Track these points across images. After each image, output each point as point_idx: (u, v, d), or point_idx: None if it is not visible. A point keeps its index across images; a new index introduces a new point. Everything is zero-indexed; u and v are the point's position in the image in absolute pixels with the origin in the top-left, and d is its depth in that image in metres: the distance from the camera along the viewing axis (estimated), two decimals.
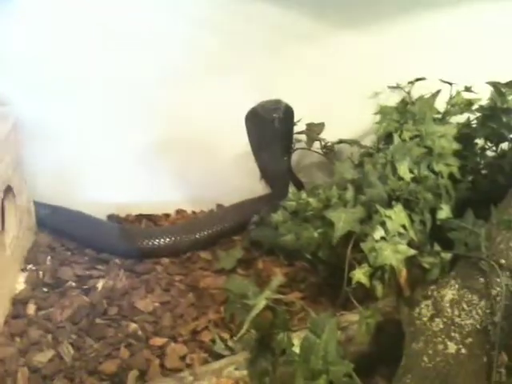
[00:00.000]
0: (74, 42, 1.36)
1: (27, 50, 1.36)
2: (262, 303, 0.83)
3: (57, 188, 1.47)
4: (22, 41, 1.36)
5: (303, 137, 1.42)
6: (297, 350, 0.82)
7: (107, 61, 1.39)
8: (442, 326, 0.91)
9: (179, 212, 1.53)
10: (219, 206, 1.53)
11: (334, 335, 0.78)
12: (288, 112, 1.33)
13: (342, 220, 1.05)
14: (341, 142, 1.41)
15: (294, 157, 1.45)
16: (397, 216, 1.03)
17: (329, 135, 1.44)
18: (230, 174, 1.50)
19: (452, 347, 0.88)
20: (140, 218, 1.50)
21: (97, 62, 1.38)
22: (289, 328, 0.83)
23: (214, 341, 1.08)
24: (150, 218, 1.50)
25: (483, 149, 1.29)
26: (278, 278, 0.90)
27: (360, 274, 0.98)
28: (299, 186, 1.36)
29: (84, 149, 1.46)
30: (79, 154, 1.46)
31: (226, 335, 1.11)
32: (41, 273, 1.29)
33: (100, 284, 1.26)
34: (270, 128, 1.31)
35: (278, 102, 1.31)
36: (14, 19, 1.34)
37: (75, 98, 1.41)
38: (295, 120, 1.38)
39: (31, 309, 1.19)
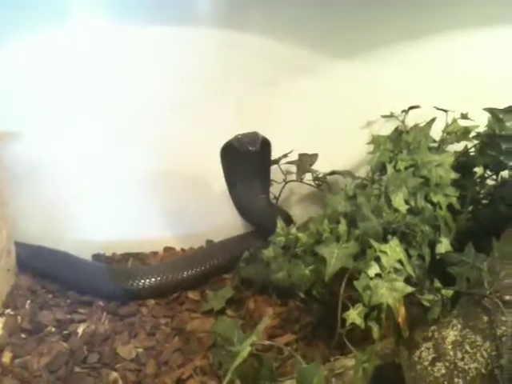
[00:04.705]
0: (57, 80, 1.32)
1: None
2: (246, 350, 0.76)
3: (40, 227, 1.41)
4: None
5: (294, 168, 1.37)
6: None
7: (95, 98, 1.34)
8: (444, 371, 0.84)
9: (168, 250, 1.46)
10: (209, 242, 1.47)
11: None
12: (265, 145, 1.25)
13: (335, 256, 0.98)
14: (333, 173, 1.36)
15: (286, 189, 1.40)
16: (392, 251, 0.97)
17: (322, 166, 1.38)
18: (220, 210, 1.44)
19: None
20: (126, 256, 1.44)
21: (84, 101, 1.34)
22: (275, 378, 0.76)
23: None
24: (137, 256, 1.44)
25: (483, 177, 1.23)
26: (265, 320, 0.83)
27: (354, 315, 0.91)
28: (287, 219, 1.29)
29: (68, 187, 1.41)
30: (63, 193, 1.41)
31: (213, 383, 1.03)
32: (19, 318, 1.22)
33: (81, 329, 1.19)
34: (246, 162, 1.25)
35: (254, 134, 1.23)
36: (11, 52, 1.30)
37: (58, 137, 1.37)
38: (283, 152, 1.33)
39: (7, 357, 1.12)
